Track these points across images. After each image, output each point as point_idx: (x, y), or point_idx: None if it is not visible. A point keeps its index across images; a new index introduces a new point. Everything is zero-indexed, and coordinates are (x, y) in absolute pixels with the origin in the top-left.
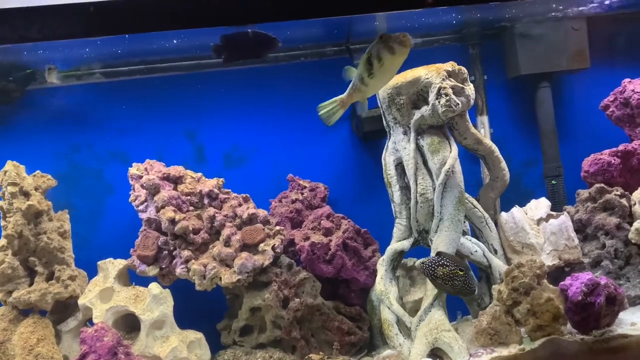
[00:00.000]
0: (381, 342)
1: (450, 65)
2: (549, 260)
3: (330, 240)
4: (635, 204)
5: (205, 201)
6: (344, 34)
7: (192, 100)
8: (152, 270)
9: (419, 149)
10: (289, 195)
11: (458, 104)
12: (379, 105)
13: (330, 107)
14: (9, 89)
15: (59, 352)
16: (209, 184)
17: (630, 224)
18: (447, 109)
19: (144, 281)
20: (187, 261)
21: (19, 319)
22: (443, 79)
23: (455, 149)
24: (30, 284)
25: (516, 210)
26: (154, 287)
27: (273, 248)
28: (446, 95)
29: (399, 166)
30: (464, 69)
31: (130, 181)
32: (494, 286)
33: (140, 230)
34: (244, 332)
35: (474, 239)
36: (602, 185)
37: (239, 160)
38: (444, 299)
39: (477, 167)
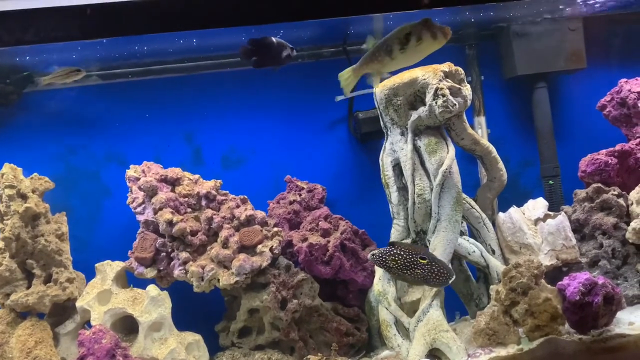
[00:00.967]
0: (379, 342)
1: (447, 66)
2: (546, 260)
3: (328, 242)
4: (632, 203)
5: (203, 203)
6: (341, 36)
7: (190, 102)
8: (150, 272)
9: (416, 149)
10: (287, 197)
11: (455, 104)
12: (376, 106)
13: (345, 77)
14: (6, 92)
15: (57, 355)
16: (207, 185)
17: (628, 224)
18: (444, 110)
19: (142, 283)
20: (185, 263)
21: (16, 322)
22: (440, 80)
23: (452, 149)
24: (28, 287)
25: (514, 210)
26: (152, 289)
27: (271, 249)
28: (443, 96)
29: (397, 167)
30: (461, 70)
31: (127, 183)
32: (491, 286)
33: (138, 232)
34: (243, 333)
35: (471, 240)
36: (600, 185)
37: (237, 162)
38: (442, 300)
39: (474, 167)
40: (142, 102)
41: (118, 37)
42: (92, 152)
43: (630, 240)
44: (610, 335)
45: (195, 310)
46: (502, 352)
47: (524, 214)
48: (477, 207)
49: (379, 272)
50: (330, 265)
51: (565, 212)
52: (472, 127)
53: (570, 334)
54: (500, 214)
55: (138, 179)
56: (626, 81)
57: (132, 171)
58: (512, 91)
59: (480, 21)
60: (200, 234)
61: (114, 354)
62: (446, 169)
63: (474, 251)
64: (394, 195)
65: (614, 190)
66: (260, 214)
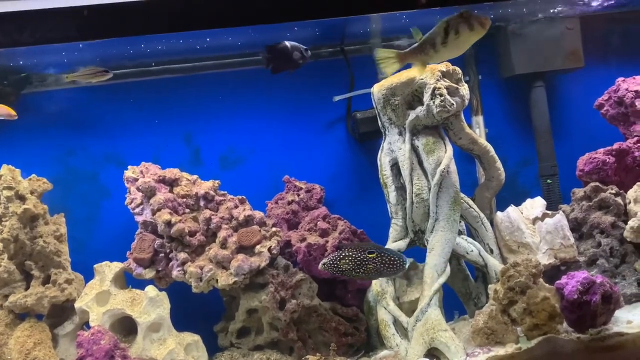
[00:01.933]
0: (378, 342)
1: (444, 66)
2: (544, 259)
3: (327, 242)
4: (630, 202)
5: (201, 203)
6: (338, 36)
7: (188, 103)
8: (149, 273)
9: (414, 149)
10: (285, 197)
11: (453, 104)
12: (374, 106)
13: (388, 57)
14: (4, 93)
15: (55, 356)
16: (205, 186)
17: (626, 222)
18: (442, 109)
19: (141, 284)
20: (183, 263)
21: (15, 323)
22: (437, 80)
23: (450, 149)
24: (27, 288)
25: (512, 209)
26: (151, 289)
27: (269, 250)
28: (441, 95)
29: (395, 167)
30: (458, 70)
31: (126, 184)
32: (490, 285)
33: (137, 233)
34: (241, 334)
35: (469, 239)
36: (597, 183)
37: (235, 162)
38: (441, 299)
39: (472, 167)
40: (140, 103)
41: (115, 38)
42: (90, 153)
43: (628, 239)
44: (608, 334)
45: (194, 310)
46: (501, 351)
47: (522, 213)
48: (475, 206)
49: None
50: None
51: (563, 211)
52: (470, 126)
53: (568, 333)
54: (499, 213)
55: (136, 179)
56: (623, 80)
57: (130, 172)
58: (509, 90)
59: None
60: (198, 234)
61: (113, 354)
62: (444, 169)
63: (472, 250)
64: (392, 195)
65: (612, 189)
66: (258, 214)
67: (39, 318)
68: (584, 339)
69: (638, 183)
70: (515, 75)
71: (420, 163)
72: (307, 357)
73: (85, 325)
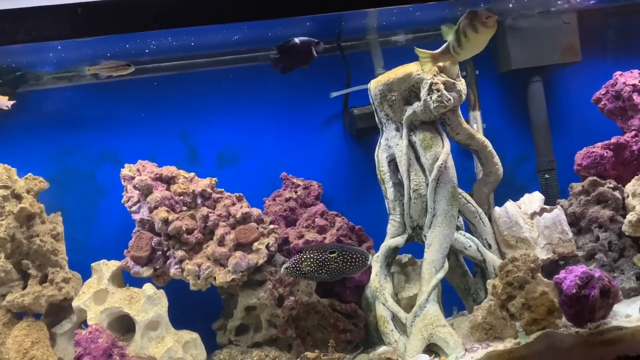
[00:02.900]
0: (377, 338)
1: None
2: (543, 254)
3: (325, 238)
4: (628, 196)
5: (199, 201)
6: (335, 32)
7: (184, 101)
8: (146, 271)
9: (411, 145)
10: (283, 194)
11: (450, 99)
12: (371, 102)
13: (423, 57)
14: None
15: (53, 355)
16: (202, 183)
17: (624, 216)
18: (439, 105)
19: (138, 282)
20: (181, 261)
21: (13, 322)
22: (434, 75)
23: (447, 144)
24: (24, 287)
25: (510, 204)
26: (148, 287)
27: (267, 247)
28: (438, 91)
29: (392, 162)
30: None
31: (122, 182)
32: (488, 281)
33: (134, 231)
34: (240, 331)
35: (467, 234)
36: (595, 178)
37: (232, 160)
38: (439, 295)
39: (470, 162)
40: (136, 101)
41: (110, 35)
42: (86, 151)
43: (627, 233)
44: (607, 328)
45: (192, 308)
46: (500, 346)
47: (520, 208)
48: (473, 201)
49: (375, 268)
50: None
51: (562, 206)
52: (468, 121)
53: (567, 327)
54: (497, 208)
55: (133, 177)
56: (621, 74)
57: (127, 170)
58: (507, 85)
59: None
60: (196, 232)
61: (111, 353)
62: (441, 164)
63: (471, 246)
64: (389, 191)
65: (610, 183)
66: (256, 211)
67: (37, 317)
68: (583, 334)
69: (636, 177)
70: (512, 70)
71: (418, 159)
72: (305, 353)
73: (83, 323)
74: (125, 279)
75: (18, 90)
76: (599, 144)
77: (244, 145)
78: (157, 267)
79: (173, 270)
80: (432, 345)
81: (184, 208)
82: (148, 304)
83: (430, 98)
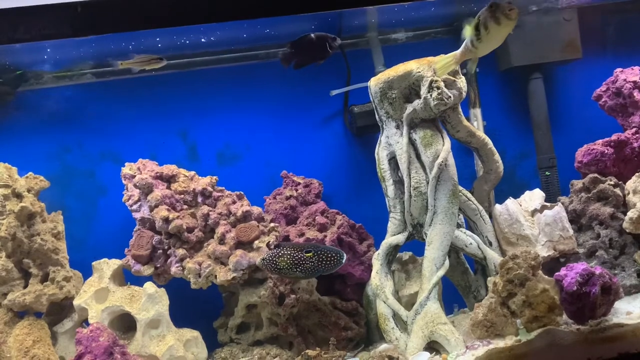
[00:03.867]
0: (378, 336)
1: None
2: (543, 251)
3: (325, 236)
4: (629, 193)
5: (199, 199)
6: (335, 29)
7: (184, 99)
8: (147, 270)
9: (411, 142)
10: (283, 192)
11: (450, 97)
12: (371, 99)
13: (446, 61)
14: (0, 92)
15: (55, 354)
16: (203, 182)
17: (625, 214)
18: (439, 102)
19: (139, 281)
20: (181, 260)
21: (14, 321)
22: (435, 72)
23: (448, 142)
24: (25, 286)
25: (510, 202)
26: (149, 286)
27: (268, 245)
28: (438, 88)
29: (392, 160)
30: None
31: (123, 181)
32: (489, 278)
33: (134, 229)
34: (241, 329)
35: (468, 232)
36: (596, 175)
37: (232, 158)
38: (440, 292)
39: (470, 159)
40: (136, 99)
41: (110, 34)
42: (87, 150)
43: (628, 230)
44: (608, 325)
45: (193, 307)
46: (500, 343)
47: (520, 205)
48: (473, 199)
49: (376, 266)
50: None
51: (562, 203)
52: (468, 119)
53: (568, 325)
54: (497, 206)
55: (133, 176)
56: (622, 71)
57: (127, 169)
58: (507, 83)
59: (473, 12)
60: (196, 230)
61: (112, 351)
62: (442, 162)
63: (471, 243)
64: (390, 188)
65: (611, 180)
66: (256, 209)
67: (38, 316)
68: (584, 331)
69: (637, 174)
70: (512, 67)
71: (418, 156)
72: (306, 351)
73: (84, 322)
74: (126, 277)
75: (18, 89)
76: (600, 141)
77: (244, 144)
78: (158, 265)
79: (174, 269)
80: (433, 343)
81: (185, 206)
82: (149, 302)
83: (431, 96)
